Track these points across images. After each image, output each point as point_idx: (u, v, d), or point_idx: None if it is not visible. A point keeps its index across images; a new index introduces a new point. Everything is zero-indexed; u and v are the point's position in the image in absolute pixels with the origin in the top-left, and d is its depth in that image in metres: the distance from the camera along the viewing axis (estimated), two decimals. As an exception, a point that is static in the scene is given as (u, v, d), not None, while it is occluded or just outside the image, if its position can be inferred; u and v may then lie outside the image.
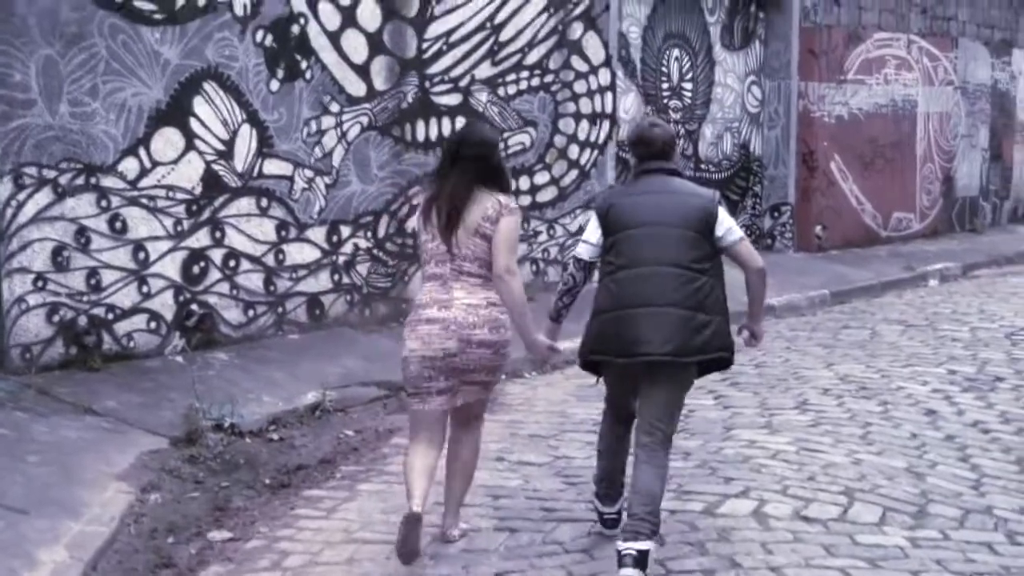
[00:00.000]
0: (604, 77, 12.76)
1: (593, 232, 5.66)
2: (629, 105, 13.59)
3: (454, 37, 11.18)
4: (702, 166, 14.70)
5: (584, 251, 5.72)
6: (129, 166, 8.70)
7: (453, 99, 11.20)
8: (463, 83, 11.28)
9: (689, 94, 14.47)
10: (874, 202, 16.86)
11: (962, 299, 13.25)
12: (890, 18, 16.97)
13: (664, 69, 14.10)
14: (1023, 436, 7.69)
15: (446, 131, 11.08)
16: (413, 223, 10.74)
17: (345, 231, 10.34)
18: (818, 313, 12.86)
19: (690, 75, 14.47)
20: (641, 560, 5.05)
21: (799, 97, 15.59)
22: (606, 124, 12.82)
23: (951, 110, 18.53)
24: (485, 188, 5.61)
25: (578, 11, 12.40)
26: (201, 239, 9.25)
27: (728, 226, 5.51)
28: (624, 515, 5.45)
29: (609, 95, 12.83)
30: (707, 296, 5.40)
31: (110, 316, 8.65)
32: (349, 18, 10.22)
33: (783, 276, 14.21)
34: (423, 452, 5.61)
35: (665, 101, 14.13)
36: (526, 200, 12.00)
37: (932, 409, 8.25)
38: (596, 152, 12.73)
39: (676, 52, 14.25)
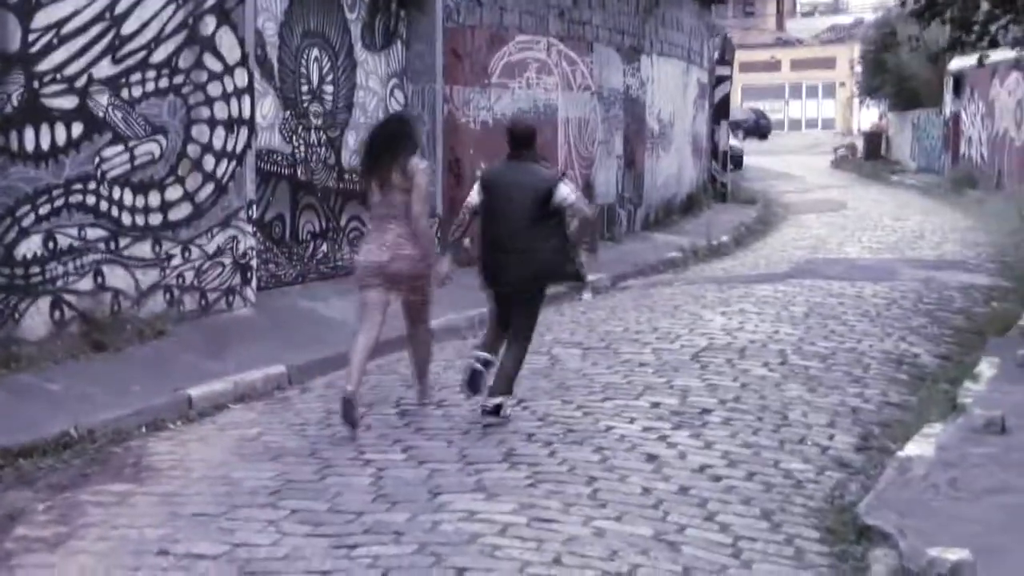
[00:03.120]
0: (240, 78, 11.27)
1: (477, 192, 8.33)
2: (267, 110, 12.17)
3: (67, 29, 9.48)
4: (345, 176, 13.41)
5: (474, 201, 8.32)
6: None
7: (68, 102, 9.49)
8: (79, 83, 9.58)
9: (330, 98, 13.17)
10: (520, 212, 16.10)
11: (627, 315, 12.57)
12: (530, 20, 16.28)
13: (303, 70, 12.75)
14: (756, 482, 6.92)
15: (60, 139, 9.38)
16: (21, 249, 9.08)
17: (-62, 263, 8.47)
18: (480, 335, 11.85)
19: (331, 77, 13.18)
20: (495, 410, 8.05)
21: (444, 102, 14.59)
22: (244, 131, 11.33)
23: (589, 116, 18.10)
24: (402, 156, 8.03)
25: (210, 3, 10.87)
26: None
27: (563, 194, 8.09)
28: (485, 370, 8.23)
29: (246, 98, 11.35)
30: (544, 241, 8.09)
31: None
32: (-65, 2, 8.38)
33: (437, 294, 13.17)
34: (365, 331, 8.08)
35: (305, 105, 12.78)
36: (157, 219, 10.40)
37: (652, 454, 7.33)
38: (234, 163, 11.21)
39: (316, 52, 12.92)
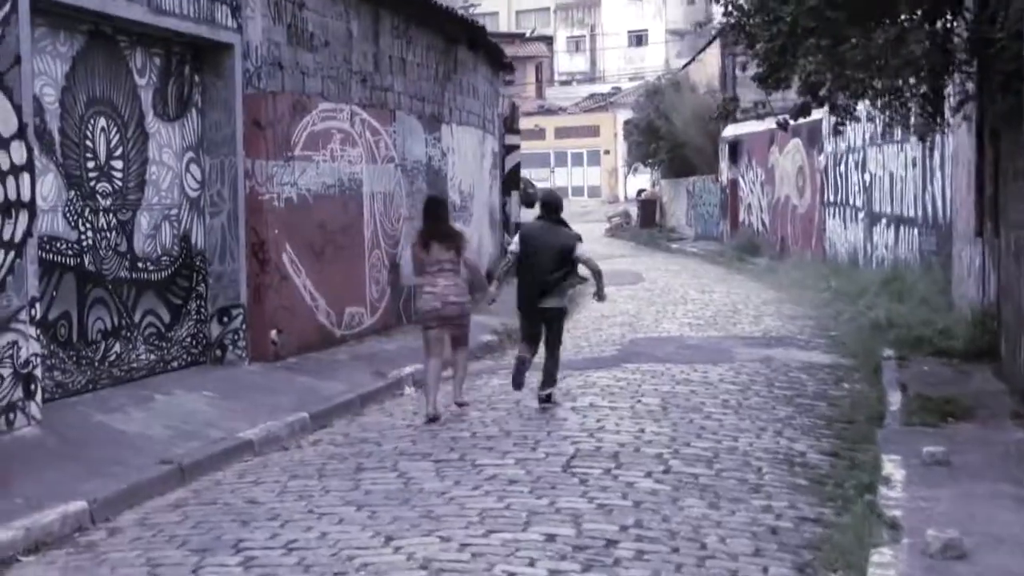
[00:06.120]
0: (18, 154, 9.48)
1: (517, 244, 11.72)
2: (48, 190, 10.42)
3: None
4: (139, 264, 11.71)
5: (516, 250, 11.70)
6: None
7: None
8: None
9: (120, 174, 11.47)
10: (328, 297, 14.62)
11: (467, 413, 11.21)
12: (333, 86, 14.85)
13: (89, 143, 11.03)
14: (710, 643, 5.65)
15: None
16: None
17: None
18: (304, 445, 10.40)
19: (120, 151, 11.48)
20: (548, 399, 11.42)
21: (246, 177, 13.00)
22: (23, 216, 9.54)
23: (394, 190, 16.76)
24: (447, 224, 11.69)
25: (-20, 64, 9.15)
26: None
27: (581, 251, 11.50)
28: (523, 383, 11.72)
29: (26, 177, 9.57)
30: (560, 283, 11.48)
31: None
32: None
33: (247, 397, 11.69)
34: (434, 362, 11.16)
35: (92, 184, 11.05)
36: (-81, 325, 8.56)
37: (576, 611, 6.00)
38: (12, 254, 9.41)
39: (102, 122, 11.22)
